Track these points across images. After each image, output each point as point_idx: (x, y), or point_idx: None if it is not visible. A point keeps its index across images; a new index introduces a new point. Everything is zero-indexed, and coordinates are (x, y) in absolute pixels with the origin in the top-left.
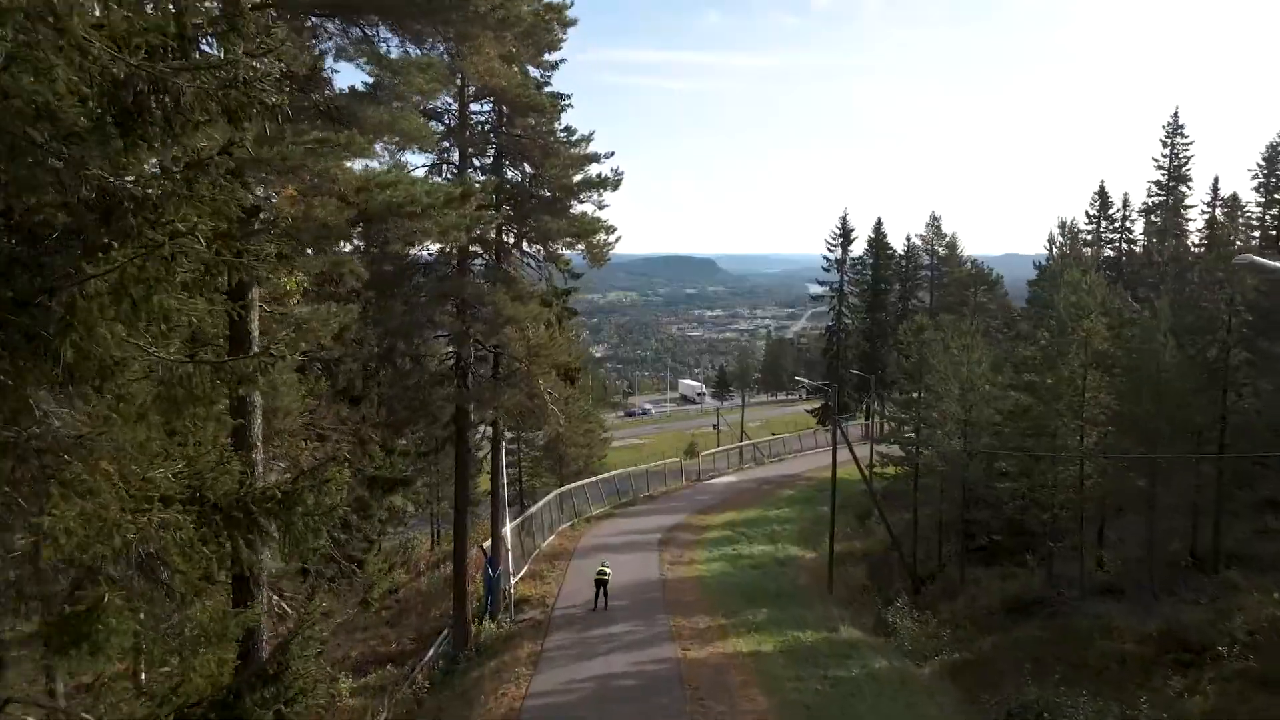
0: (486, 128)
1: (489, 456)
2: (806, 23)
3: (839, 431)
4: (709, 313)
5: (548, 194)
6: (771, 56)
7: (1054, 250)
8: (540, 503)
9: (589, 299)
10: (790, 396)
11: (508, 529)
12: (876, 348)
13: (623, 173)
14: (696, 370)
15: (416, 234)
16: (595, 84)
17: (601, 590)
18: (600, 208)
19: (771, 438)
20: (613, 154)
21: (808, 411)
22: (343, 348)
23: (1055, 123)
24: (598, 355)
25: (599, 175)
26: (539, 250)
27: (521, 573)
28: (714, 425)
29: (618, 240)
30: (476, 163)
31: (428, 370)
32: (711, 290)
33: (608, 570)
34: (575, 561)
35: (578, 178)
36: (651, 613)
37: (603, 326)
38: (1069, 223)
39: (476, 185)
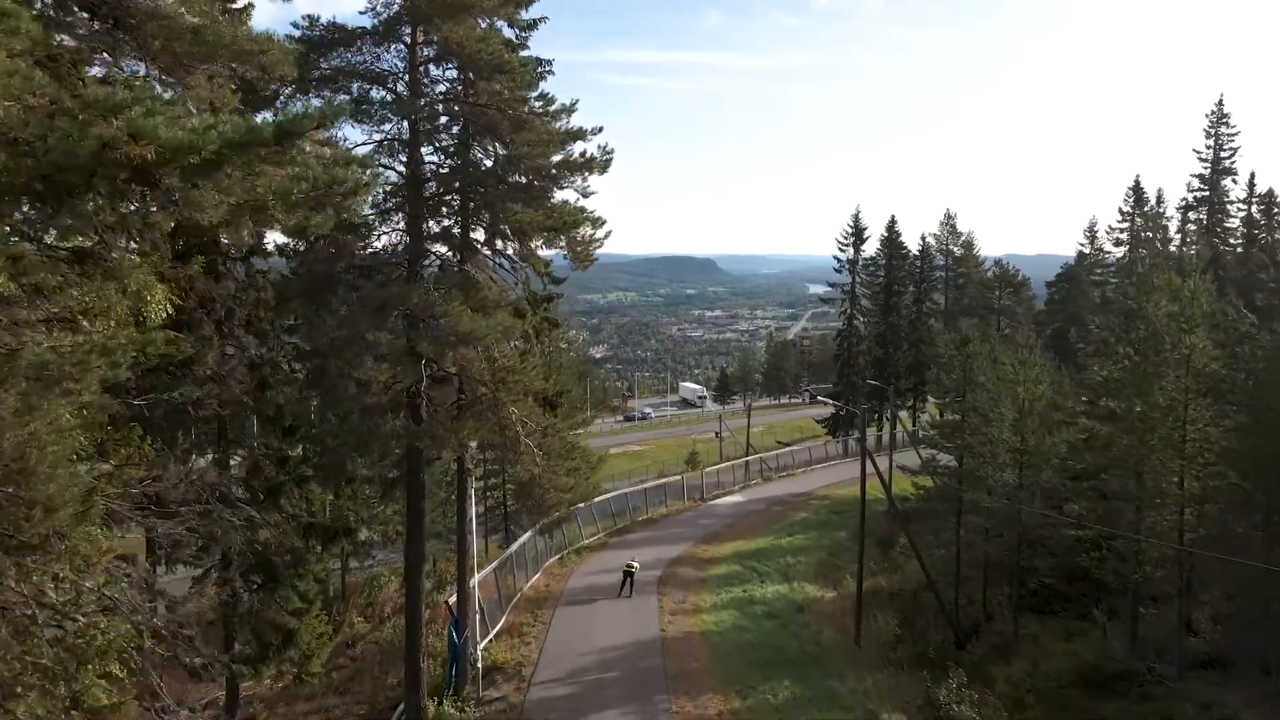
0: (446, 96)
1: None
2: (807, 22)
3: (870, 463)
4: (709, 313)
5: (521, 179)
6: (772, 56)
7: (1140, 248)
8: (526, 535)
9: (589, 299)
10: (793, 400)
11: (476, 580)
12: (890, 352)
13: (612, 151)
14: (697, 371)
15: (185, 208)
16: (595, 84)
17: (629, 581)
18: (585, 195)
19: (779, 449)
20: (600, 129)
21: (817, 421)
22: (197, 387)
23: (1056, 122)
24: (598, 356)
25: (583, 155)
26: (514, 249)
27: (497, 627)
28: (716, 434)
29: (607, 236)
30: (436, 142)
31: (365, 399)
32: (712, 290)
33: (635, 565)
34: (561, 611)
35: (557, 158)
36: (650, 691)
37: (603, 327)
38: (1095, 222)
39: (307, 116)
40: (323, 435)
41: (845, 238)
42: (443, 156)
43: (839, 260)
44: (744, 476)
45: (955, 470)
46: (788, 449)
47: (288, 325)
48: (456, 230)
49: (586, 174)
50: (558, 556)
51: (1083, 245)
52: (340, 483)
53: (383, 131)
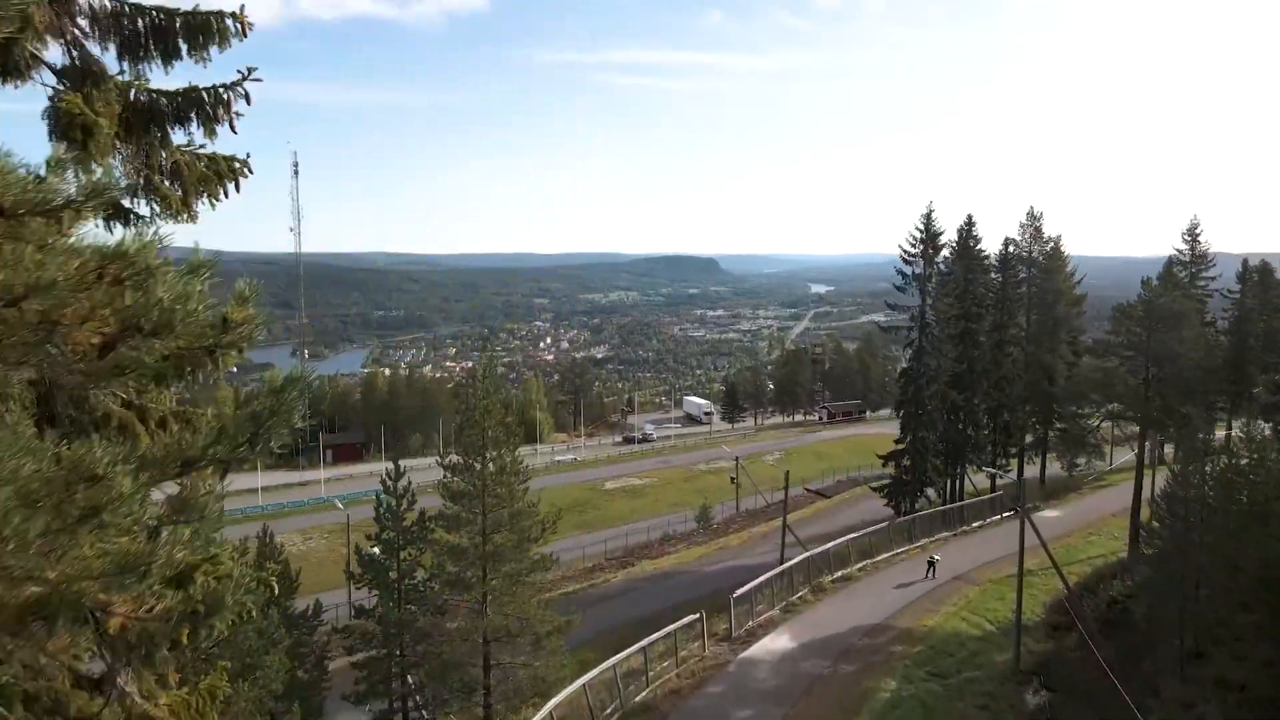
0: None
1: None
2: (808, 23)
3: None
4: (711, 313)
5: None
6: (773, 57)
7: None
8: None
9: (590, 299)
10: (809, 418)
11: None
12: (969, 398)
13: None
14: (699, 372)
15: None
16: (595, 84)
17: (932, 570)
18: None
19: (810, 500)
20: None
21: (873, 488)
22: None
23: (1059, 121)
24: (599, 356)
25: None
26: None
27: None
28: (732, 479)
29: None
30: None
31: None
32: (714, 290)
33: (937, 557)
34: None
35: None
36: None
37: (604, 326)
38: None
39: None
40: None
41: (914, 244)
42: None
43: (904, 275)
44: (785, 587)
45: None
46: (844, 535)
47: None
48: None
49: None
50: None
51: (1180, 251)
52: None
53: None
